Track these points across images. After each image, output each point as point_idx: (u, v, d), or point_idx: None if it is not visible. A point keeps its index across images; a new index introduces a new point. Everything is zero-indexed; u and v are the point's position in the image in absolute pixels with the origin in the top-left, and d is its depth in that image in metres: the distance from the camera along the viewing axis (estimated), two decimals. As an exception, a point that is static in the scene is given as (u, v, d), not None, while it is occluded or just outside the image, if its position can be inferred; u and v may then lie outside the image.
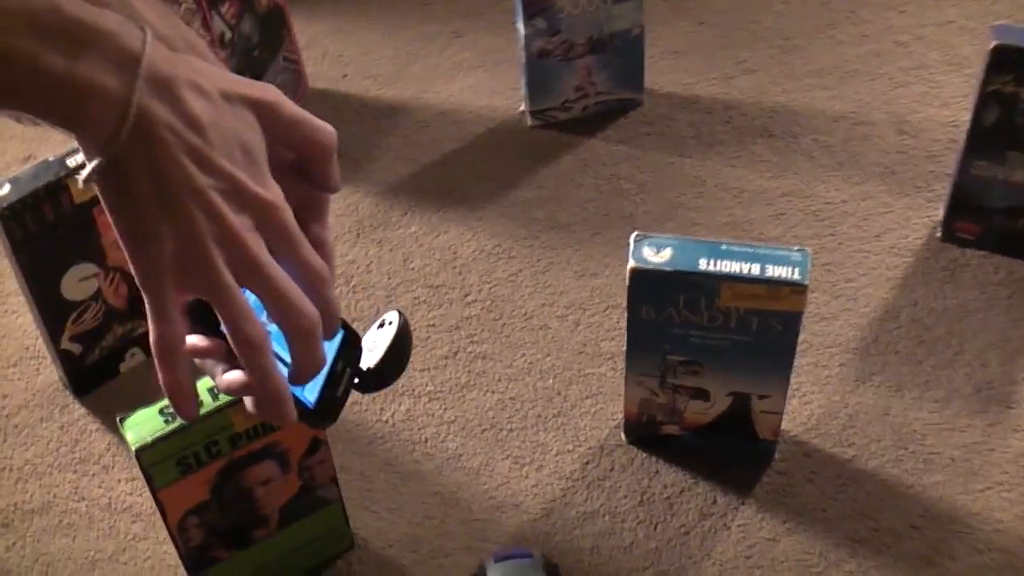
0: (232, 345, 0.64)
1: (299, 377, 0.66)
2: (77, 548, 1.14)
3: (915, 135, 1.46)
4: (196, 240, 0.61)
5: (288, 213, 0.64)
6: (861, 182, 1.41)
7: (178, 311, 0.63)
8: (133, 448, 0.92)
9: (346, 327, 0.72)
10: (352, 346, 0.72)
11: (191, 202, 0.60)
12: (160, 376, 0.64)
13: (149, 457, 0.92)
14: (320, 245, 0.69)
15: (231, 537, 1.03)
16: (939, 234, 1.34)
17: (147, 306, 0.62)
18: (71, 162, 1.13)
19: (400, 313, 0.76)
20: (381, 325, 0.76)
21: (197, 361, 0.69)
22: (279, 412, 0.65)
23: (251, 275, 0.62)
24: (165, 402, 0.94)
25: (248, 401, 0.67)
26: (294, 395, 0.67)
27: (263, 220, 0.63)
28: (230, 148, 0.62)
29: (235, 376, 0.67)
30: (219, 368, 0.67)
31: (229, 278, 0.62)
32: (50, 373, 1.28)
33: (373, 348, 0.74)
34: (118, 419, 0.94)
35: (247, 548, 1.05)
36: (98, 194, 0.62)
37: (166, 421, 0.93)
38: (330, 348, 0.71)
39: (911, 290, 1.29)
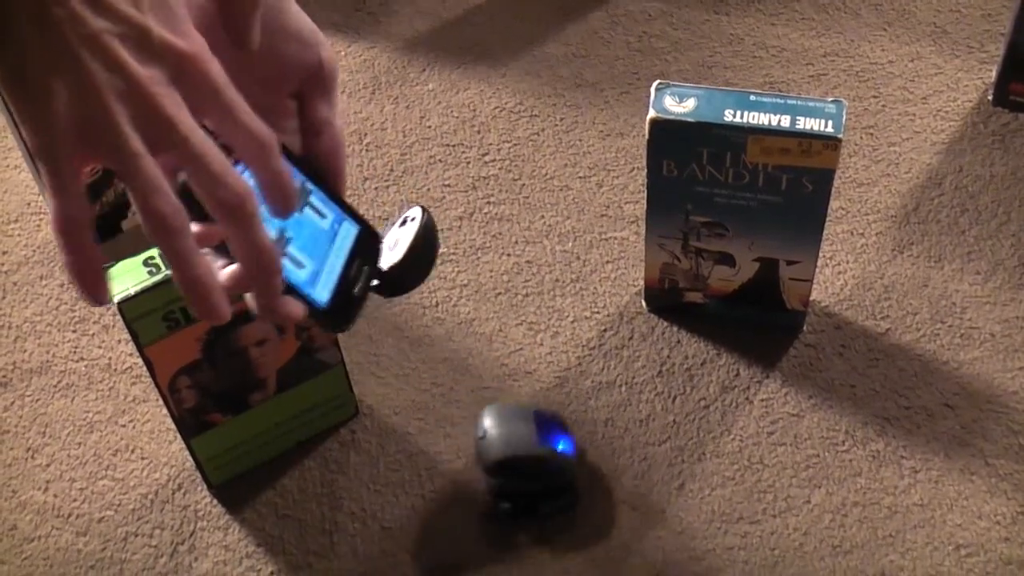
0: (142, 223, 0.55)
1: (247, 270, 0.57)
2: (76, 409, 1.11)
3: (970, -8, 1.37)
4: (93, 95, 0.52)
5: (213, 65, 0.54)
6: (910, 42, 1.33)
7: (80, 183, 0.54)
8: (115, 301, 0.87)
9: (363, 222, 0.66)
10: (370, 243, 0.67)
11: (84, 49, 0.51)
12: (63, 258, 0.55)
13: (132, 310, 0.88)
14: (325, 127, 0.62)
15: (227, 401, 0.99)
16: (991, 97, 1.27)
17: (44, 178, 0.53)
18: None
19: (423, 209, 0.70)
20: (404, 223, 0.70)
21: None
22: (203, 306, 0.55)
23: (162, 136, 0.53)
24: (149, 253, 0.89)
25: (248, 297, 0.59)
26: (303, 293, 0.61)
27: (179, 73, 0.53)
28: None
29: (233, 269, 0.59)
30: (220, 262, 0.60)
31: (136, 142, 0.53)
32: (51, 230, 1.23)
33: (394, 247, 0.69)
34: (100, 270, 0.89)
35: (244, 413, 1.01)
36: None
37: (150, 273, 0.88)
38: (344, 245, 0.65)
39: (957, 156, 1.22)
